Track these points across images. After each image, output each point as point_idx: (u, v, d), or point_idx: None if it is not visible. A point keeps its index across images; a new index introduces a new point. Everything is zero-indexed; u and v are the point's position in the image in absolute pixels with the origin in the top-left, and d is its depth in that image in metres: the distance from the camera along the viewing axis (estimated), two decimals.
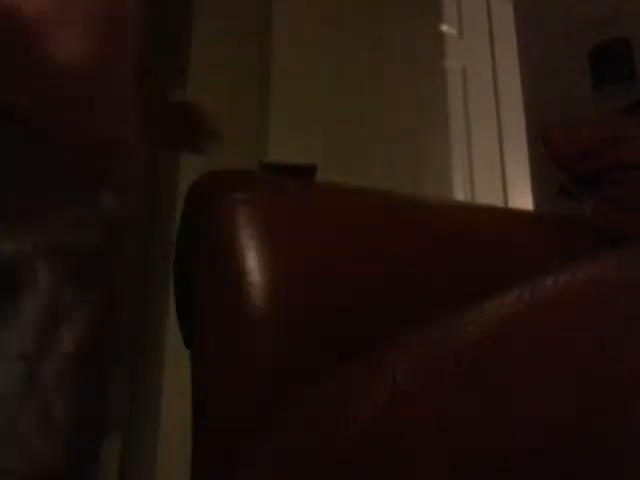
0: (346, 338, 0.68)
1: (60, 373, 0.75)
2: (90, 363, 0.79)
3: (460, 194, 2.35)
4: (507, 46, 2.44)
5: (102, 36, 0.85)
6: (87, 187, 0.83)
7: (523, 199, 2.28)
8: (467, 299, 0.46)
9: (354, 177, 1.01)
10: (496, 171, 2.41)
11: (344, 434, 0.47)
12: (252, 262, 0.70)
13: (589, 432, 0.32)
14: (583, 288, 0.40)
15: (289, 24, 2.30)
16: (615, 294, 0.37)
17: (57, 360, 0.75)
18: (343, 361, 0.57)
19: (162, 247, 1.96)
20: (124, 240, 0.89)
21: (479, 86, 2.49)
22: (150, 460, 1.91)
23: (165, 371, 1.95)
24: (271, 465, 0.56)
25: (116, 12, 0.88)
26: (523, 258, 0.83)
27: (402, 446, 0.41)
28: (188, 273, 0.82)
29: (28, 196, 0.78)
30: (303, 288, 0.71)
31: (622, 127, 1.04)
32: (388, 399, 0.45)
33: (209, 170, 0.97)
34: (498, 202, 2.30)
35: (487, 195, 2.35)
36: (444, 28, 2.51)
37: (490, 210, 1.13)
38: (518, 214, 1.15)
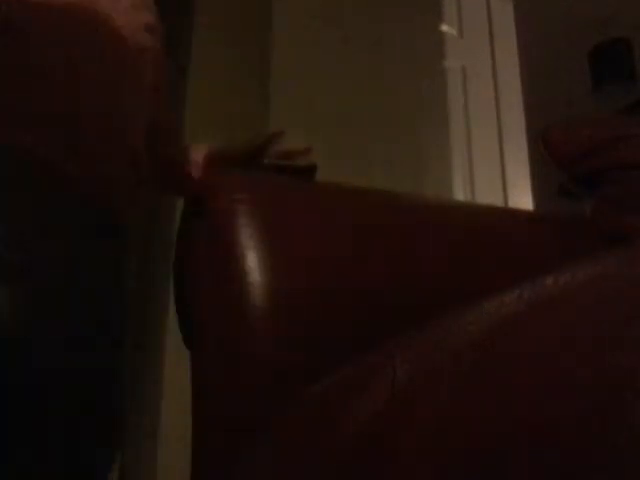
0: (346, 338, 0.68)
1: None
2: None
3: (460, 194, 2.35)
4: (507, 46, 2.44)
5: (121, 93, 0.90)
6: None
7: (523, 199, 2.27)
8: (467, 299, 0.46)
9: (354, 177, 1.01)
10: (496, 171, 2.41)
11: (344, 434, 0.47)
12: (252, 262, 0.70)
13: (589, 432, 0.32)
14: (583, 288, 0.40)
15: (289, 24, 2.30)
16: (615, 294, 0.37)
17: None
18: (343, 361, 0.57)
19: (162, 247, 1.96)
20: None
21: (479, 86, 2.49)
22: (150, 460, 1.91)
23: (165, 371, 1.95)
24: (271, 465, 0.56)
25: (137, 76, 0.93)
26: (523, 258, 0.83)
27: (402, 446, 0.41)
28: (188, 273, 0.82)
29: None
30: (303, 288, 0.71)
31: (622, 127, 1.04)
32: (388, 399, 0.45)
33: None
34: (498, 202, 2.30)
35: (487, 195, 2.35)
36: (444, 28, 2.51)
37: (490, 210, 1.13)
38: (518, 214, 1.15)
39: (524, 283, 0.42)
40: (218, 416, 0.67)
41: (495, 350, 0.40)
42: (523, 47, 2.29)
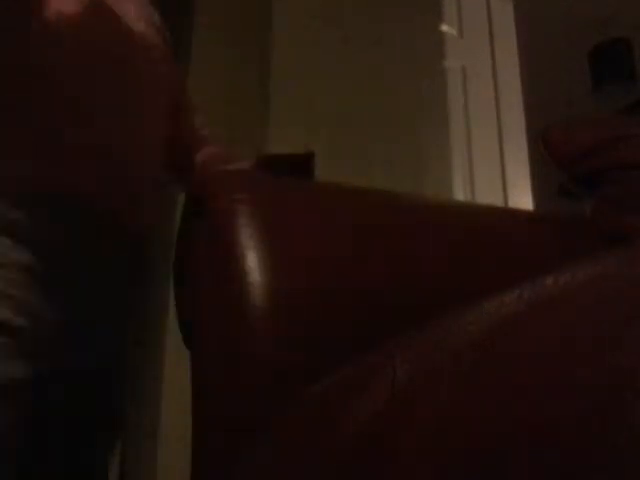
0: (346, 338, 0.68)
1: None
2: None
3: (460, 194, 2.35)
4: (507, 46, 2.44)
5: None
6: None
7: (523, 199, 2.27)
8: (467, 299, 0.46)
9: (354, 177, 1.01)
10: (496, 171, 2.41)
11: (344, 434, 0.47)
12: (252, 262, 0.70)
13: (589, 432, 0.32)
14: (583, 288, 0.40)
15: (289, 24, 2.30)
16: (615, 294, 0.37)
17: None
18: (343, 361, 0.57)
19: (162, 247, 1.96)
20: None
21: (479, 86, 2.49)
22: (150, 460, 1.91)
23: (165, 371, 1.95)
24: (271, 465, 0.56)
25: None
26: (523, 258, 0.83)
27: (402, 446, 0.41)
28: (188, 273, 0.82)
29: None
30: (303, 288, 0.71)
31: (622, 127, 1.04)
32: (388, 399, 0.45)
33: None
34: (498, 202, 2.30)
35: (487, 195, 2.35)
36: (444, 28, 2.51)
37: (490, 210, 1.13)
38: (518, 214, 1.15)
39: (524, 283, 0.42)
40: (218, 416, 0.67)
41: (495, 350, 0.40)
42: (523, 47, 2.29)
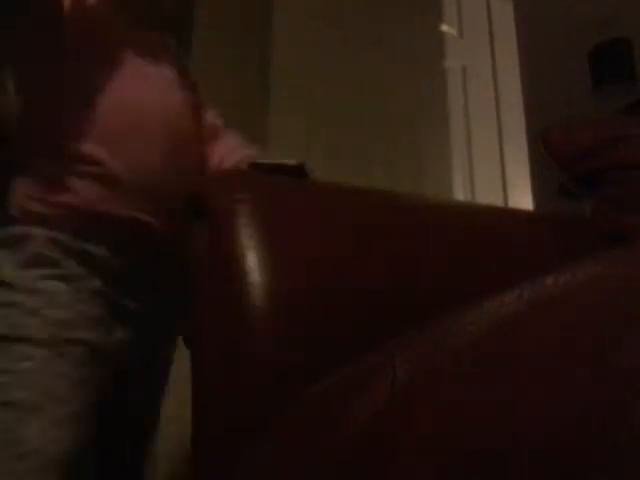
0: (346, 338, 0.68)
1: None
2: None
3: (460, 194, 2.35)
4: (507, 46, 2.44)
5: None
6: None
7: (523, 199, 2.27)
8: (467, 299, 0.46)
9: (354, 177, 1.01)
10: (496, 171, 2.41)
11: (344, 434, 0.47)
12: (252, 262, 0.70)
13: (589, 432, 0.32)
14: (583, 288, 0.40)
15: (289, 24, 2.30)
16: (615, 294, 0.37)
17: None
18: (343, 361, 0.57)
19: None
20: None
21: (479, 86, 2.48)
22: (150, 460, 1.91)
23: None
24: (271, 465, 0.56)
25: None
26: (523, 258, 0.83)
27: (402, 446, 0.41)
28: (188, 273, 0.82)
29: None
30: (303, 288, 0.71)
31: (622, 127, 1.04)
32: (388, 399, 0.45)
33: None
34: (498, 202, 2.30)
35: (487, 195, 2.34)
36: (444, 28, 2.51)
37: (490, 210, 1.13)
38: (518, 214, 1.15)
39: (524, 283, 0.42)
40: (218, 416, 0.67)
41: (495, 350, 0.40)
42: (523, 47, 2.29)
